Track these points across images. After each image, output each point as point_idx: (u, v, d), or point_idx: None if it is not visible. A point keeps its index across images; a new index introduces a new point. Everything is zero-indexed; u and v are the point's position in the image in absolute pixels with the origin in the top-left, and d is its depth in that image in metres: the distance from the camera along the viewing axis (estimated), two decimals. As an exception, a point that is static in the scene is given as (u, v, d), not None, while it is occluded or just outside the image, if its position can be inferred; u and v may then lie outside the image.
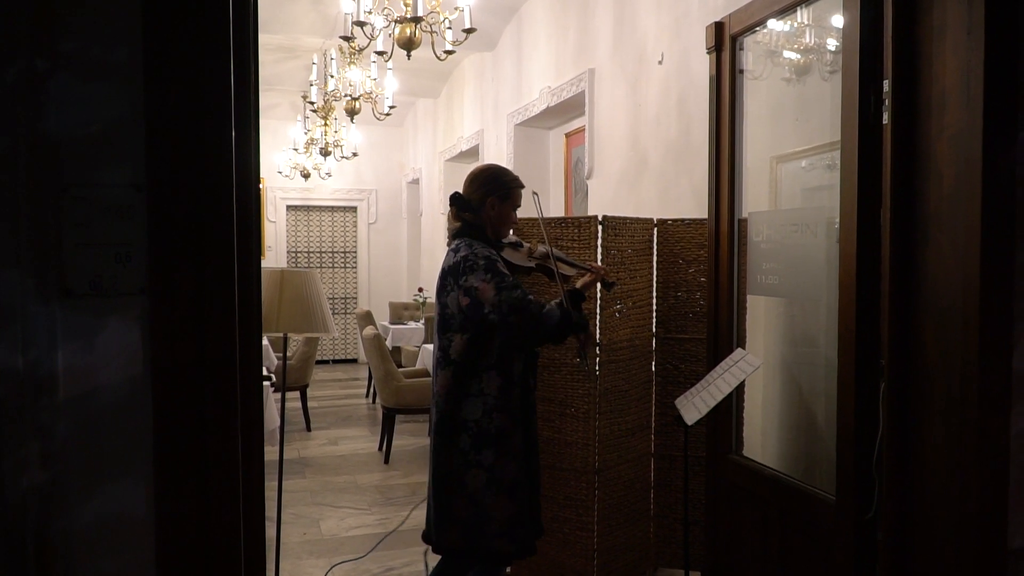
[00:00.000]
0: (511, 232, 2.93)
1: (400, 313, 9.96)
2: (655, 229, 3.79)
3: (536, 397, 2.94)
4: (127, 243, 1.45)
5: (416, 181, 11.16)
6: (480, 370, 2.66)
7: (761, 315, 3.31)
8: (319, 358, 11.25)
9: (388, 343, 8.43)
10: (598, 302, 3.48)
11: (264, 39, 7.58)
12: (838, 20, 2.58)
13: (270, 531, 3.47)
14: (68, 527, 1.46)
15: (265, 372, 5.38)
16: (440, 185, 9.74)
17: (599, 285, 3.03)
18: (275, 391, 4.91)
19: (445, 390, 2.71)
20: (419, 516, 4.70)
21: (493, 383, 2.65)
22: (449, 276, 2.70)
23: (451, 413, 2.70)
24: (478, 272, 2.60)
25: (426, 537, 2.84)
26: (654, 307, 3.81)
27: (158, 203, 1.45)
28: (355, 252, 12.04)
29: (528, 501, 2.71)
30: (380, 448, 6.50)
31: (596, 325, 3.50)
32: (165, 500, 1.48)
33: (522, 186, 2.89)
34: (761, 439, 3.35)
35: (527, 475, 2.72)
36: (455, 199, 2.80)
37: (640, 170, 4.95)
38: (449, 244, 2.82)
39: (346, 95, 6.37)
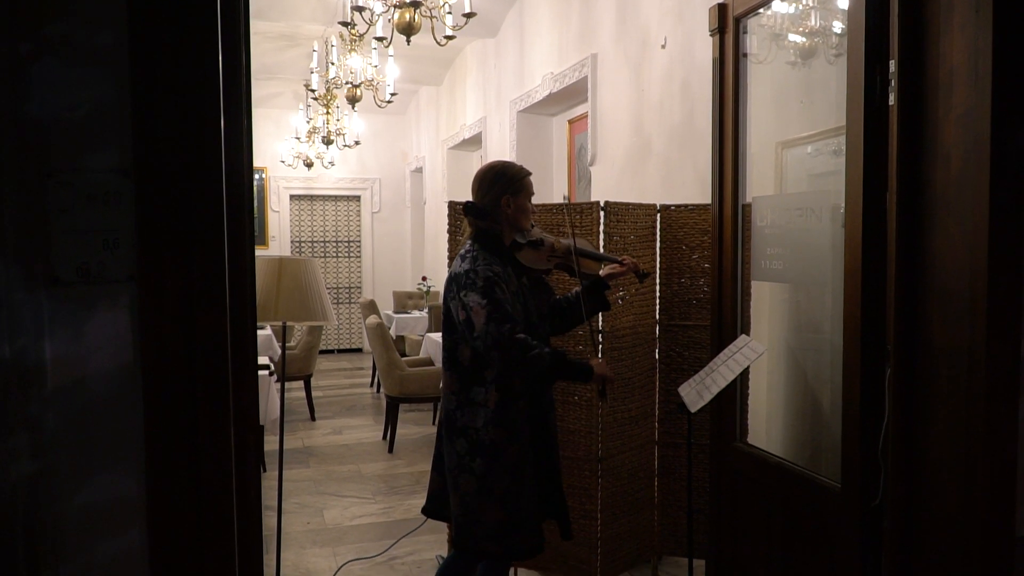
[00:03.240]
0: (532, 225, 2.85)
1: (404, 302, 9.94)
2: (658, 215, 3.75)
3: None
4: (114, 229, 1.42)
5: (419, 169, 11.12)
6: (485, 381, 2.64)
7: (765, 301, 3.28)
8: (324, 348, 11.27)
9: (392, 332, 8.42)
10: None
11: (265, 27, 7.56)
12: (843, 0, 2.53)
13: (272, 520, 3.45)
14: (59, 517, 1.44)
15: (267, 361, 5.37)
16: (443, 173, 9.70)
17: (634, 275, 3.00)
18: (277, 381, 4.90)
19: (449, 391, 2.71)
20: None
21: (492, 396, 2.62)
22: (453, 283, 2.66)
23: (452, 415, 2.69)
24: (475, 292, 2.56)
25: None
26: (657, 294, 3.77)
27: (145, 188, 1.42)
28: (359, 241, 12.01)
29: (525, 509, 2.66)
30: (384, 437, 6.49)
31: (598, 318, 3.46)
32: (157, 489, 1.46)
33: (529, 173, 2.84)
34: (766, 426, 3.32)
35: (525, 484, 2.66)
36: (469, 208, 2.74)
37: (643, 156, 4.90)
38: (462, 247, 2.78)
39: (347, 82, 6.33)
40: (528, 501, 2.67)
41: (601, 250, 3.48)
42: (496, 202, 2.72)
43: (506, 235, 2.76)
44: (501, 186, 2.73)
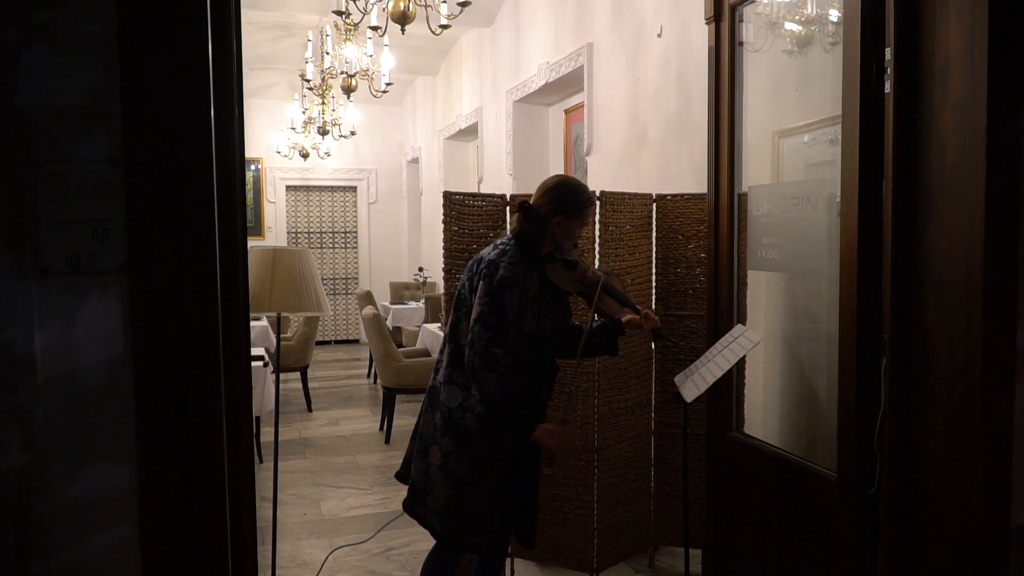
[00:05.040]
0: (574, 245, 2.83)
1: (401, 293, 9.93)
2: (654, 205, 3.74)
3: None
4: (104, 219, 1.41)
5: (416, 160, 11.09)
6: None
7: (762, 291, 3.27)
8: (320, 339, 11.26)
9: (389, 323, 8.41)
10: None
11: (259, 17, 7.52)
12: (840, -12, 2.52)
13: (268, 512, 3.45)
14: (50, 508, 1.43)
15: (263, 352, 5.36)
16: (439, 163, 9.67)
17: (651, 333, 2.94)
18: (273, 372, 4.89)
19: (444, 364, 2.72)
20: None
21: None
22: (476, 263, 2.69)
23: (437, 388, 2.71)
24: (486, 285, 2.57)
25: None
26: (653, 284, 3.77)
27: (135, 178, 1.41)
28: (355, 232, 11.98)
29: (474, 503, 2.62)
30: (381, 428, 6.49)
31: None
32: (149, 480, 1.46)
33: (594, 203, 2.82)
34: (762, 416, 3.32)
35: (483, 479, 2.62)
36: (524, 209, 2.74)
37: (640, 146, 4.89)
38: (501, 238, 2.78)
39: (342, 72, 6.30)
40: (480, 498, 2.63)
41: (596, 238, 3.47)
42: (550, 216, 2.71)
43: (545, 246, 2.75)
44: (562, 205, 2.71)
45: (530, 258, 2.69)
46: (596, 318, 2.86)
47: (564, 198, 2.73)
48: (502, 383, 2.53)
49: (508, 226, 3.47)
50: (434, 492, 2.66)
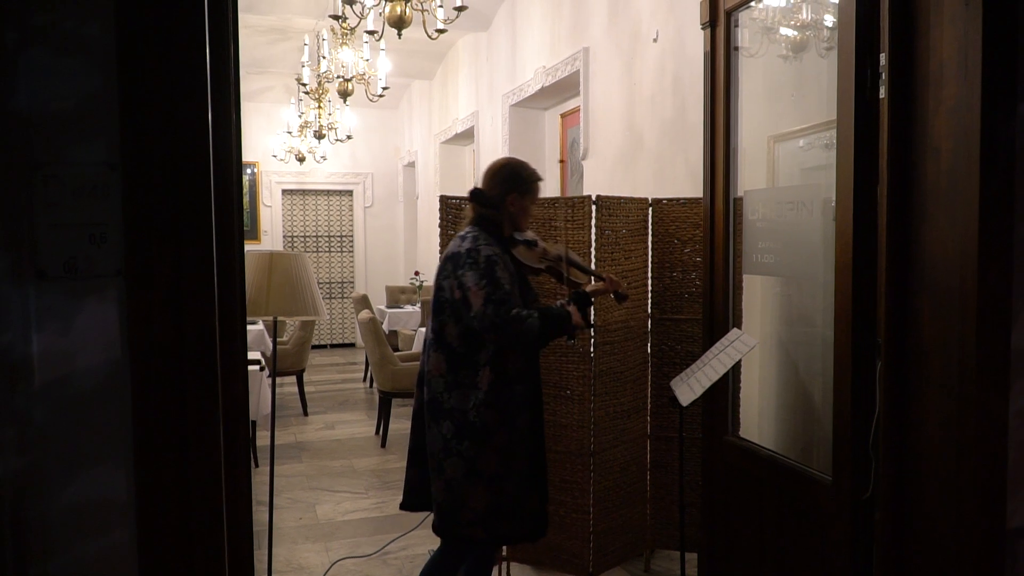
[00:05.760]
0: (528, 226, 2.92)
1: (397, 297, 9.92)
2: (650, 209, 3.75)
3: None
4: (102, 223, 1.41)
5: (412, 164, 11.10)
6: (477, 364, 2.64)
7: (757, 295, 3.28)
8: (316, 343, 11.25)
9: (385, 327, 8.41)
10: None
11: (256, 20, 7.52)
12: (834, -7, 2.52)
13: (264, 516, 3.45)
14: (47, 512, 1.43)
15: (259, 356, 5.35)
16: (436, 168, 9.68)
17: (613, 296, 3.03)
18: (269, 376, 4.88)
19: (437, 373, 2.70)
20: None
21: (485, 378, 2.62)
22: (449, 262, 2.69)
23: (439, 397, 2.68)
24: (475, 272, 2.58)
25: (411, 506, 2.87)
26: (649, 288, 3.77)
27: (133, 182, 1.41)
28: (351, 236, 11.98)
29: (512, 494, 2.66)
30: (377, 432, 6.49)
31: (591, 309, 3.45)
32: (146, 485, 1.46)
33: (540, 179, 2.92)
34: (758, 420, 3.32)
35: (514, 469, 2.67)
36: (475, 195, 2.81)
37: (636, 150, 4.90)
38: (460, 231, 2.81)
39: (338, 76, 6.31)
40: (516, 487, 2.67)
41: (593, 243, 3.48)
42: (503, 197, 2.79)
43: (504, 228, 2.82)
44: (512, 184, 2.81)
45: (499, 240, 2.75)
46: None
47: (513, 176, 2.83)
48: (533, 317, 2.55)
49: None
50: (468, 503, 2.64)
